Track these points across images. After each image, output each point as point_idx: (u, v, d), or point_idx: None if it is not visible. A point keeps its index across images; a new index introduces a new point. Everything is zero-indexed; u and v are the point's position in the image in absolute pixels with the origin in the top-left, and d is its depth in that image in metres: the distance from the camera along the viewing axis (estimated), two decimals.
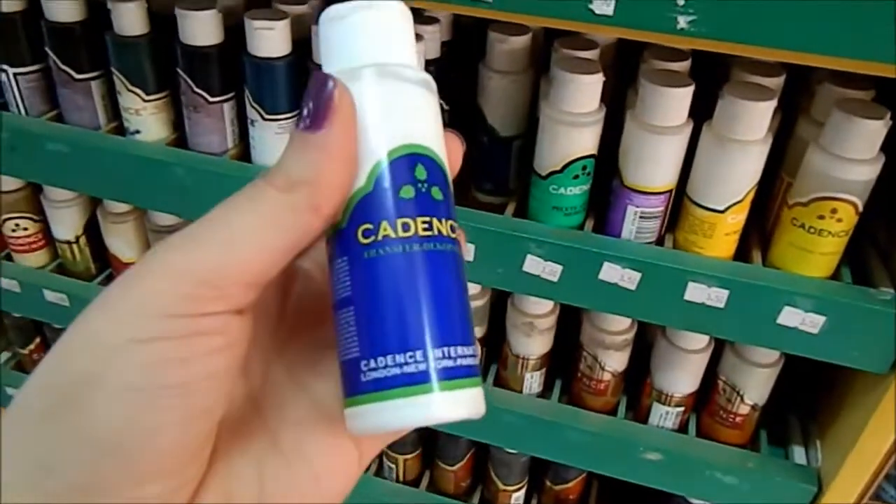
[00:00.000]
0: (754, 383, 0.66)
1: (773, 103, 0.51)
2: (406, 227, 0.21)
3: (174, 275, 0.19)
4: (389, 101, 0.21)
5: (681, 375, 0.67)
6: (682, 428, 0.71)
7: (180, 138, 0.68)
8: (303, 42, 0.60)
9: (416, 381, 0.20)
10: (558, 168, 0.57)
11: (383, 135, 0.21)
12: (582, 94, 0.54)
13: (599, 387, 0.71)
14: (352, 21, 0.21)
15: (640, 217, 0.57)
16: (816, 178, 0.52)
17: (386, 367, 0.20)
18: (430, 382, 0.20)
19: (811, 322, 0.54)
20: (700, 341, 0.66)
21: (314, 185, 0.19)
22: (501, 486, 0.84)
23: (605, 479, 0.75)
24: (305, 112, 0.20)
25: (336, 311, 0.22)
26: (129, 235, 0.78)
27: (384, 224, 0.21)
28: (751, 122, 0.51)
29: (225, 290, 0.19)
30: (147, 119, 0.66)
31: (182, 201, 0.66)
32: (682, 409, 0.69)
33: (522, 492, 0.87)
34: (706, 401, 0.70)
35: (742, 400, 0.66)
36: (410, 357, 0.20)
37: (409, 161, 0.21)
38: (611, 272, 0.57)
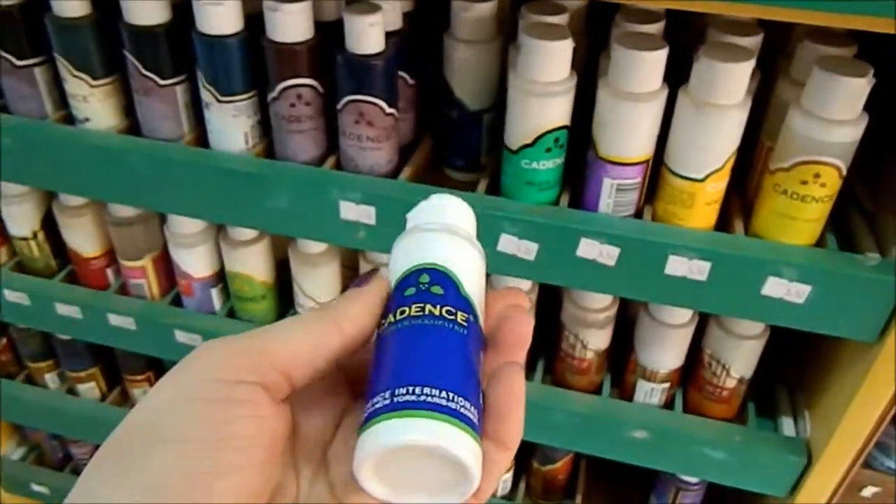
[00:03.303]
0: (740, 356, 0.64)
1: (750, 64, 0.49)
2: (402, 313, 0.27)
3: (223, 350, 0.25)
4: (420, 242, 0.29)
5: (665, 351, 0.66)
6: (668, 404, 0.69)
7: (133, 125, 0.64)
8: (255, 17, 0.56)
9: (378, 413, 0.24)
10: (529, 141, 0.54)
11: (409, 261, 0.29)
12: (551, 61, 0.51)
13: (583, 366, 0.69)
14: (423, 204, 0.31)
15: (617, 189, 0.55)
16: (798, 141, 0.50)
17: (371, 406, 0.24)
18: (389, 413, 0.24)
19: (796, 292, 0.52)
20: (683, 316, 0.64)
21: (339, 311, 0.27)
22: None
23: (593, 458, 0.74)
24: (356, 281, 0.29)
25: None
26: (87, 229, 0.75)
27: (390, 315, 0.27)
28: (728, 84, 0.49)
29: (257, 363, 0.25)
30: (96, 106, 0.62)
31: (138, 191, 0.63)
32: (667, 385, 0.68)
33: (510, 474, 0.85)
34: (692, 375, 0.68)
35: (728, 373, 0.65)
36: (381, 397, 0.24)
37: (418, 273, 0.28)
38: (589, 248, 0.55)
